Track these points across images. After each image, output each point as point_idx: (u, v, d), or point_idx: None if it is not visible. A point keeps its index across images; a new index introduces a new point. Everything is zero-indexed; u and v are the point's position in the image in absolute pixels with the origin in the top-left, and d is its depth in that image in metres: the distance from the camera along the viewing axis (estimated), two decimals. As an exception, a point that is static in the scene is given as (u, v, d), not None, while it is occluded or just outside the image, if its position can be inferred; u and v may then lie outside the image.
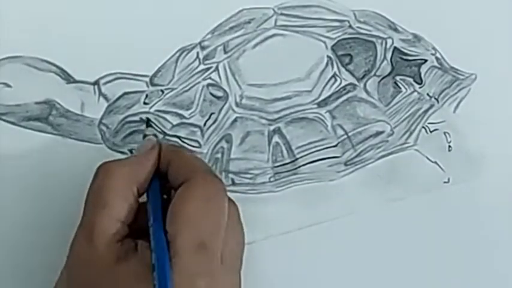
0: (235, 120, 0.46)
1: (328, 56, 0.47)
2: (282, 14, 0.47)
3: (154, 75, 0.46)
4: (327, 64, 0.47)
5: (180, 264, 0.35)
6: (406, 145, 0.48)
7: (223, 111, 0.46)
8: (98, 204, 0.38)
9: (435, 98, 0.48)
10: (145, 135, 0.44)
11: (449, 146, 0.48)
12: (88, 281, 0.37)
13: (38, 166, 0.45)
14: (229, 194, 0.46)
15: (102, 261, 0.36)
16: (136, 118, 0.46)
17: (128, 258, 0.37)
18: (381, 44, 0.48)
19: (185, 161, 0.40)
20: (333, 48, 0.47)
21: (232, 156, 0.46)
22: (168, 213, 0.37)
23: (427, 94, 0.48)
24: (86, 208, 0.38)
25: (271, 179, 0.46)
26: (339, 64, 0.47)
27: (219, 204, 0.38)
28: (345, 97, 0.47)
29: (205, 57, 0.47)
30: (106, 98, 0.46)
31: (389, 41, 0.48)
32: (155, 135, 0.45)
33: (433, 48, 0.48)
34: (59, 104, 0.45)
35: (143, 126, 0.45)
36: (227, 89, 0.46)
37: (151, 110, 0.46)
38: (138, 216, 0.39)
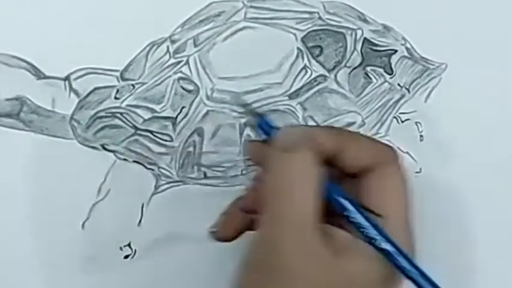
0: (206, 113, 0.46)
1: (298, 48, 0.47)
2: (251, 7, 0.47)
3: (125, 69, 0.46)
4: (297, 56, 0.47)
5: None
6: (378, 135, 0.48)
7: (194, 105, 0.46)
8: (300, 190, 0.34)
9: (406, 88, 0.48)
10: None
11: (421, 136, 0.48)
12: (309, 275, 0.34)
13: (7, 163, 0.45)
14: (201, 187, 0.47)
15: (320, 255, 0.34)
16: (108, 113, 0.46)
17: (349, 252, 0.35)
18: (351, 35, 0.48)
19: (369, 144, 0.38)
20: (303, 40, 0.47)
21: (204, 149, 0.46)
22: (376, 197, 0.37)
23: (398, 84, 0.48)
24: (276, 199, 0.35)
25: (243, 172, 0.46)
26: (309, 56, 0.47)
27: (409, 182, 0.38)
28: (315, 89, 0.47)
29: (176, 51, 0.46)
30: (77, 94, 0.46)
31: (359, 32, 0.48)
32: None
33: (403, 38, 0.48)
34: (29, 100, 0.45)
35: (113, 121, 0.46)
36: (198, 83, 0.46)
37: (123, 105, 0.46)
38: None
